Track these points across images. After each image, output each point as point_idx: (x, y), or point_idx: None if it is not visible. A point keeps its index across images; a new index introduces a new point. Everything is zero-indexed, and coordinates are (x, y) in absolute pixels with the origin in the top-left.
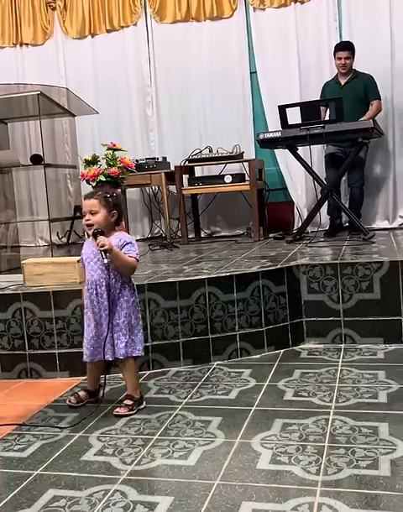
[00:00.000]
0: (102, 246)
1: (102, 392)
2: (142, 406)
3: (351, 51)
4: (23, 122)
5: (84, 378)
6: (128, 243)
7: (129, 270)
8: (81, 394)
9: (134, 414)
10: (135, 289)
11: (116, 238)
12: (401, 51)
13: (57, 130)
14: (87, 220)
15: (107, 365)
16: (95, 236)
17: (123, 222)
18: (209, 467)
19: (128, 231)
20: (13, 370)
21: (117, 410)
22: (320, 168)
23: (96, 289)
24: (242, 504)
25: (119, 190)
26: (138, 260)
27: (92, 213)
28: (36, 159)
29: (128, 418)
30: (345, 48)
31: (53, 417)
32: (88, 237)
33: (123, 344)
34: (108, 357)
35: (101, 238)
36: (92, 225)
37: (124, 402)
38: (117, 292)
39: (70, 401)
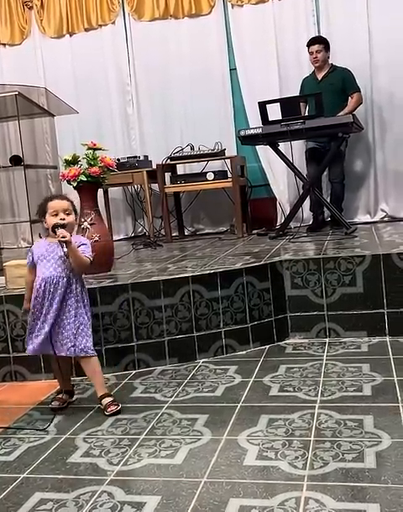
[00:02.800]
0: (63, 237)
1: (73, 393)
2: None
3: (323, 45)
4: (2, 123)
5: None
6: (83, 244)
7: (82, 268)
8: (63, 396)
9: (120, 406)
10: (86, 290)
11: (73, 239)
12: (379, 46)
13: (37, 130)
14: (62, 219)
15: (71, 364)
16: (54, 229)
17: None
18: (196, 465)
19: (111, 230)
20: None
21: (109, 410)
22: (301, 163)
23: (46, 286)
24: (229, 501)
25: None
26: (91, 261)
27: (67, 213)
28: (16, 160)
29: (114, 418)
30: (316, 41)
31: (39, 420)
32: (43, 238)
33: (71, 343)
34: (58, 351)
35: (62, 230)
36: (66, 225)
37: (105, 401)
38: (67, 290)
39: (53, 405)
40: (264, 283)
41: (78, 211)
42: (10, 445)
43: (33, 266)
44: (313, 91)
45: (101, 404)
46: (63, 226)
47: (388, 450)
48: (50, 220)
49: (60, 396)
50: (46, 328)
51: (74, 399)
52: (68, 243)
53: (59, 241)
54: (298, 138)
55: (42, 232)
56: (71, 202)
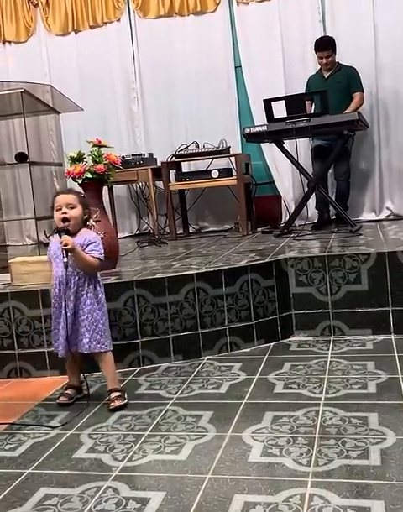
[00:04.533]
0: (66, 244)
1: (85, 386)
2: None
3: (331, 49)
4: (8, 120)
5: None
6: (92, 243)
7: (91, 270)
8: (70, 391)
9: (126, 402)
10: (101, 286)
11: (81, 237)
12: (385, 44)
13: (42, 128)
14: (64, 213)
15: (84, 360)
16: (59, 234)
17: (111, 220)
18: (200, 461)
19: (115, 228)
20: (3, 370)
21: (112, 404)
22: (306, 161)
23: (59, 285)
24: (234, 497)
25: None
26: (101, 260)
27: (71, 207)
28: (21, 158)
29: (119, 414)
30: (324, 48)
31: (44, 416)
32: (54, 234)
33: (87, 340)
34: (75, 349)
35: (65, 237)
36: (68, 219)
37: (112, 395)
38: (79, 288)
39: (60, 400)
40: (268, 280)
41: (87, 202)
42: (15, 441)
43: (50, 262)
44: (320, 89)
45: (109, 398)
46: (67, 231)
47: (393, 447)
48: (55, 215)
49: (67, 392)
50: (64, 326)
51: (81, 395)
52: (70, 251)
53: (61, 248)
54: (303, 136)
55: (47, 229)
56: (79, 195)
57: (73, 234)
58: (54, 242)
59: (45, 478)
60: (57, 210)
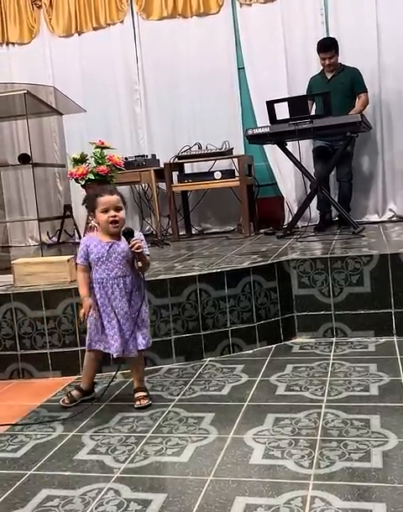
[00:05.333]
0: (138, 248)
1: (97, 388)
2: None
3: (334, 50)
4: (11, 122)
5: (76, 377)
6: (141, 240)
7: (148, 267)
8: (74, 393)
9: (150, 403)
10: (145, 286)
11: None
12: (388, 46)
13: (45, 129)
14: (114, 216)
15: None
16: (126, 236)
17: None
18: (202, 463)
19: None
20: (5, 371)
21: (138, 403)
22: (309, 163)
23: (111, 286)
24: (235, 500)
25: None
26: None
27: (118, 209)
28: (24, 159)
29: (121, 416)
30: (327, 49)
31: (46, 417)
32: (89, 234)
33: (142, 336)
34: (115, 354)
35: (135, 240)
36: (118, 221)
37: (139, 395)
38: (135, 287)
39: (63, 402)
40: (271, 282)
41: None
42: (17, 442)
43: (88, 264)
44: (322, 90)
45: (133, 397)
46: (131, 233)
47: (394, 450)
48: (101, 217)
49: (72, 393)
50: (118, 327)
51: (88, 397)
52: (141, 256)
53: (133, 252)
54: (306, 138)
55: (49, 230)
56: (121, 196)
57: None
58: (95, 243)
59: (47, 479)
60: (103, 211)
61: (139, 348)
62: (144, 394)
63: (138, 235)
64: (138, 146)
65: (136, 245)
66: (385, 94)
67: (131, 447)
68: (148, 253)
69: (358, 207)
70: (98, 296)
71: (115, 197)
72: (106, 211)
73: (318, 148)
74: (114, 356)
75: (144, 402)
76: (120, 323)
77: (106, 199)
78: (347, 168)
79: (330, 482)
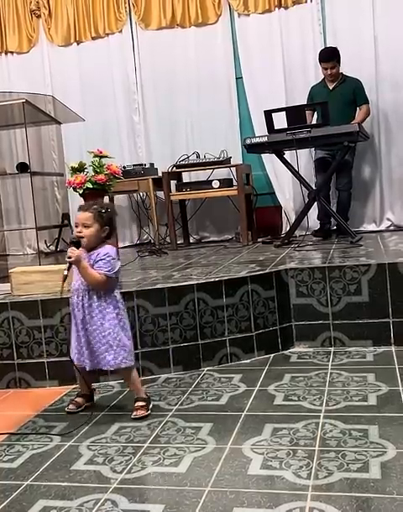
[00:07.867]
0: (69, 257)
1: (92, 396)
2: (151, 405)
3: (335, 60)
4: (9, 131)
5: (74, 386)
6: (101, 260)
7: (96, 285)
8: (79, 399)
9: (150, 412)
10: (119, 300)
11: (95, 253)
12: (386, 55)
13: (44, 138)
14: (79, 232)
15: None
16: (69, 244)
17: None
18: (200, 473)
19: (116, 239)
20: (2, 380)
21: (135, 413)
22: (307, 172)
23: (75, 297)
24: (233, 511)
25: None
26: (109, 276)
27: (85, 226)
28: (22, 168)
29: (119, 426)
30: (329, 59)
31: (43, 427)
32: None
33: (111, 356)
34: (87, 366)
35: (70, 249)
36: (83, 237)
37: (136, 404)
38: (95, 304)
39: (69, 408)
40: (269, 291)
41: (111, 215)
42: (14, 452)
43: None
44: (324, 99)
45: (133, 406)
46: (77, 242)
47: (393, 460)
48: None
49: (76, 400)
50: (77, 336)
51: (90, 403)
52: (74, 263)
53: (66, 260)
54: (304, 147)
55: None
56: (96, 213)
57: (89, 250)
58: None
59: (44, 489)
60: (75, 226)
61: (105, 368)
62: (142, 404)
63: (105, 255)
64: (136, 155)
65: (68, 254)
66: (383, 104)
67: (128, 457)
68: (103, 271)
69: (355, 216)
70: (70, 306)
71: (84, 214)
72: (76, 225)
73: (319, 159)
74: (87, 369)
75: (140, 413)
76: (80, 335)
77: (78, 214)
78: (347, 177)
79: (328, 493)
